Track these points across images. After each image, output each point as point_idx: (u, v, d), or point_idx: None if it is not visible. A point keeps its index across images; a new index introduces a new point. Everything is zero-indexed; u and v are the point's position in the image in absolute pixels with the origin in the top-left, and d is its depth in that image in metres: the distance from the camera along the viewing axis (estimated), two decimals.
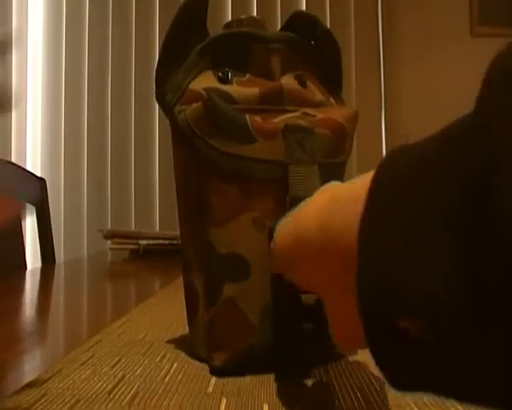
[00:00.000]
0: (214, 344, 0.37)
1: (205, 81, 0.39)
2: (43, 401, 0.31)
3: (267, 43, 0.41)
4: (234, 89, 0.39)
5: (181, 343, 0.44)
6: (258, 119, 0.38)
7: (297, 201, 0.36)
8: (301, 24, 0.43)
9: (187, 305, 0.41)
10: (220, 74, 0.40)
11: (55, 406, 0.30)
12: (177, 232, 1.35)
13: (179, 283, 0.81)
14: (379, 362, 0.19)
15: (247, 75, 0.40)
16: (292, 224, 0.28)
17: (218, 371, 0.36)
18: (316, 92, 0.42)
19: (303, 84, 0.42)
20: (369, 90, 2.25)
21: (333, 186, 0.27)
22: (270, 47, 0.41)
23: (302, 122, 0.38)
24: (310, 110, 0.40)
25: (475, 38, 2.36)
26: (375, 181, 0.20)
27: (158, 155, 2.28)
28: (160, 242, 1.32)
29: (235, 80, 0.40)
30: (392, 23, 2.33)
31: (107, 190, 2.28)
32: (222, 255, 0.37)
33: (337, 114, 0.40)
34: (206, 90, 0.38)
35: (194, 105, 0.38)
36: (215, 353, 0.36)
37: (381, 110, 2.23)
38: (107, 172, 2.28)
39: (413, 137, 2.35)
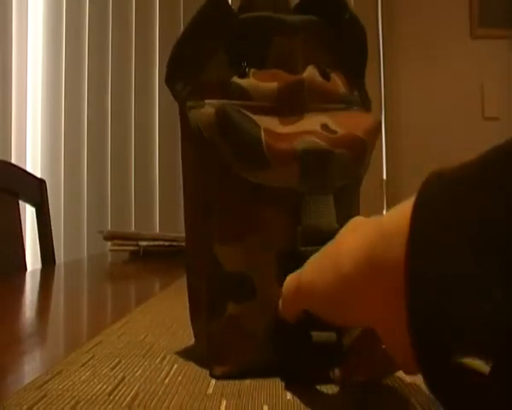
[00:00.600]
0: (215, 357, 0.36)
1: (220, 73, 0.36)
2: (42, 402, 0.31)
3: (290, 32, 0.37)
4: (250, 83, 0.36)
5: (181, 345, 0.44)
6: (274, 133, 0.35)
7: (309, 233, 0.35)
8: (326, 4, 0.39)
9: (190, 302, 0.40)
10: (237, 66, 0.36)
11: (54, 407, 0.30)
12: (177, 234, 1.36)
13: (179, 284, 0.81)
14: (436, 395, 0.19)
15: (267, 67, 0.37)
16: (329, 262, 0.27)
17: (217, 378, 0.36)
18: (339, 85, 0.39)
19: (326, 75, 0.38)
20: (369, 92, 2.25)
21: (362, 221, 0.27)
22: (293, 35, 0.37)
23: (322, 144, 0.35)
24: (331, 122, 0.37)
25: (475, 39, 2.36)
26: (415, 213, 0.20)
27: (158, 156, 2.28)
28: (160, 243, 1.32)
29: (252, 72, 0.37)
30: (392, 25, 2.33)
31: (107, 191, 2.28)
32: (228, 273, 0.35)
33: (359, 125, 0.37)
34: (221, 85, 0.36)
35: (207, 110, 0.35)
36: (215, 365, 0.36)
37: (381, 111, 2.23)
38: (108, 173, 2.28)
39: (413, 137, 2.35)
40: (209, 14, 0.37)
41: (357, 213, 0.39)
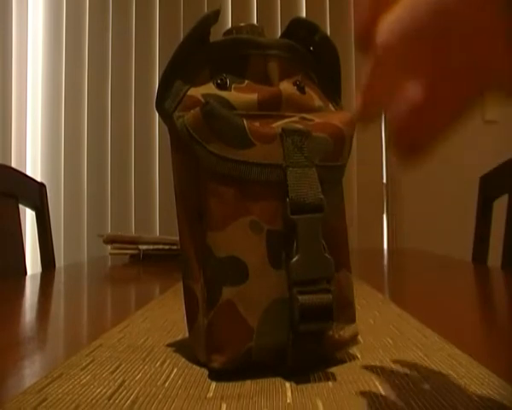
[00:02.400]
0: (213, 346, 0.36)
1: (203, 88, 0.40)
2: (43, 405, 0.31)
3: (265, 50, 0.41)
4: (232, 95, 0.39)
5: (181, 348, 0.44)
6: (256, 124, 0.38)
7: (297, 203, 0.37)
8: (300, 30, 0.43)
9: (186, 310, 0.41)
10: (218, 81, 0.40)
11: None
12: (177, 237, 1.35)
13: (179, 287, 0.81)
14: None
15: (246, 81, 0.40)
16: None
17: (216, 374, 0.36)
18: (315, 98, 0.43)
19: (301, 90, 0.42)
20: None
21: None
22: (268, 53, 0.41)
23: (299, 126, 0.38)
24: (308, 115, 0.41)
25: None
26: None
27: (158, 160, 2.29)
28: (160, 247, 1.32)
29: (233, 87, 0.40)
30: None
31: (107, 194, 2.28)
32: (220, 259, 0.37)
33: (334, 118, 0.41)
34: (205, 96, 0.39)
35: (193, 111, 0.38)
36: (214, 355, 0.36)
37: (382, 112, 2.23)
38: (107, 176, 2.28)
39: None
40: (194, 37, 0.40)
41: (342, 203, 0.42)
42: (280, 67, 0.41)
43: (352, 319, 0.41)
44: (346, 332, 0.40)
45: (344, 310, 0.40)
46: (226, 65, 0.40)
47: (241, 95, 0.39)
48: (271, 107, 0.40)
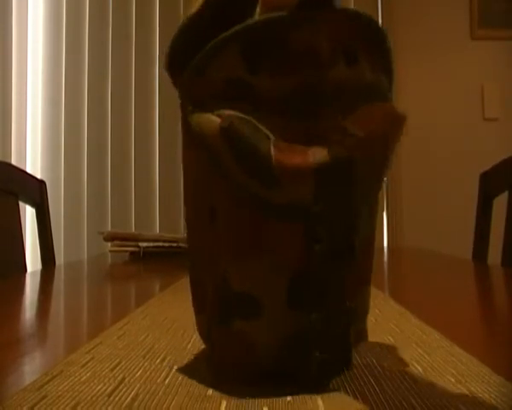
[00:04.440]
0: (219, 371, 0.35)
1: (228, 66, 0.32)
2: (43, 403, 0.31)
3: (311, 25, 0.32)
4: (262, 81, 0.32)
5: (181, 345, 0.44)
6: (284, 149, 0.31)
7: (325, 251, 0.31)
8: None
9: (193, 296, 0.39)
10: (250, 62, 0.32)
11: (55, 408, 0.30)
12: (177, 235, 1.35)
13: (179, 285, 0.81)
14: None
15: (283, 62, 0.32)
16: None
17: (216, 374, 0.36)
18: (366, 70, 0.34)
19: (353, 59, 0.33)
20: None
21: None
22: (314, 28, 0.32)
23: (340, 151, 0.31)
24: (348, 121, 0.33)
25: (475, 40, 2.36)
26: None
27: (158, 157, 2.28)
28: (160, 244, 1.32)
29: (265, 68, 0.32)
30: (392, 26, 2.33)
31: (107, 192, 2.28)
32: (235, 293, 0.33)
33: (379, 121, 0.33)
34: (229, 82, 0.32)
35: (212, 118, 0.32)
36: (219, 378, 0.35)
37: None
38: (108, 173, 2.28)
39: (413, 138, 2.35)
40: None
41: (375, 219, 0.37)
42: (328, 38, 0.32)
43: (363, 337, 0.38)
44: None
45: (354, 328, 0.37)
46: (261, 46, 0.32)
47: (273, 81, 0.32)
48: (309, 96, 0.32)
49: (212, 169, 0.33)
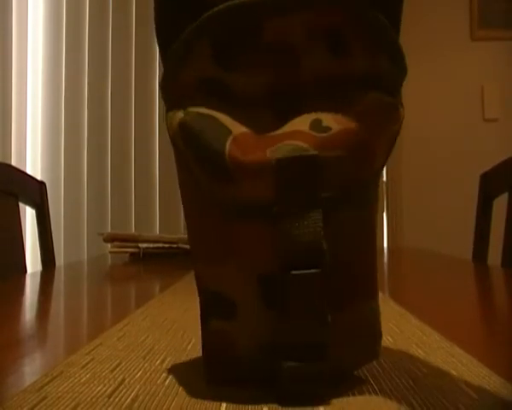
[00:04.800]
0: (206, 371, 0.35)
1: (200, 68, 0.31)
2: (43, 404, 0.31)
3: (285, 12, 0.29)
4: (236, 77, 0.30)
5: (181, 346, 0.44)
6: (242, 146, 0.29)
7: (288, 258, 0.29)
8: None
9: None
10: (222, 58, 0.30)
11: (55, 409, 0.30)
12: (177, 236, 1.35)
13: (180, 286, 0.81)
14: None
15: (258, 56, 0.30)
16: None
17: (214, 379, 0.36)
18: (358, 57, 0.31)
19: (339, 49, 0.30)
20: None
21: None
22: (290, 16, 0.29)
23: (304, 147, 0.29)
24: (325, 115, 0.30)
25: (475, 41, 2.36)
26: None
27: (158, 158, 2.28)
28: (160, 245, 1.32)
29: (238, 65, 0.30)
30: None
31: (107, 193, 2.28)
32: (209, 291, 0.33)
33: (362, 116, 0.30)
34: (201, 80, 0.30)
35: (176, 117, 0.31)
36: (208, 379, 0.35)
37: None
38: (107, 175, 2.28)
39: (413, 138, 2.35)
40: None
41: (366, 230, 0.32)
42: (307, 27, 0.30)
43: (372, 344, 0.34)
44: (364, 359, 0.34)
45: (359, 342, 0.34)
46: (232, 37, 0.30)
47: (248, 78, 0.30)
48: (288, 91, 0.30)
49: (180, 168, 0.33)
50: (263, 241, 0.30)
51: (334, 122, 0.30)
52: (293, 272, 0.29)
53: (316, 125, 0.30)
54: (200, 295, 0.35)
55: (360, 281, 0.33)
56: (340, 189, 0.30)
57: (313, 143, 0.29)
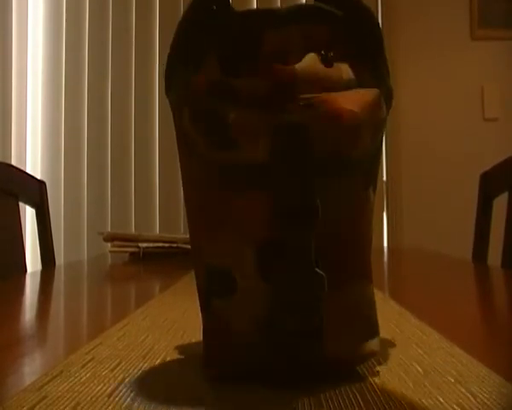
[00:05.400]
0: (206, 357, 0.35)
1: (209, 73, 0.34)
2: (43, 403, 0.31)
3: (283, 24, 0.34)
4: (240, 82, 0.34)
5: (181, 346, 0.44)
6: (248, 117, 0.33)
7: (284, 212, 0.32)
8: None
9: (199, 291, 0.39)
10: (227, 66, 0.34)
11: (55, 408, 0.30)
12: (178, 235, 1.35)
13: (179, 286, 0.81)
14: None
15: (259, 63, 0.34)
16: None
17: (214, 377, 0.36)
18: (343, 70, 0.35)
19: (328, 61, 0.34)
20: None
21: None
22: (287, 28, 0.34)
23: (297, 118, 0.32)
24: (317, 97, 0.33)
25: (475, 40, 2.36)
26: None
27: (158, 157, 2.28)
28: (160, 245, 1.32)
29: (243, 70, 0.34)
30: (392, 26, 2.33)
31: (107, 192, 2.28)
32: (210, 267, 0.35)
33: (350, 99, 0.33)
34: (209, 83, 0.34)
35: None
36: (207, 367, 0.35)
37: None
38: (108, 174, 2.28)
39: (413, 138, 2.35)
40: (195, 14, 0.35)
41: (360, 206, 0.35)
42: (303, 41, 0.34)
43: (370, 335, 0.36)
44: (362, 349, 0.35)
45: (356, 325, 0.35)
46: (237, 46, 0.34)
47: (251, 81, 0.33)
48: (286, 90, 0.33)
49: (181, 150, 0.35)
50: (259, 208, 0.33)
51: (320, 103, 0.33)
52: (289, 230, 0.32)
53: (308, 105, 0.33)
54: (199, 280, 0.36)
55: (357, 260, 0.35)
56: (330, 159, 0.33)
57: (308, 116, 0.32)
